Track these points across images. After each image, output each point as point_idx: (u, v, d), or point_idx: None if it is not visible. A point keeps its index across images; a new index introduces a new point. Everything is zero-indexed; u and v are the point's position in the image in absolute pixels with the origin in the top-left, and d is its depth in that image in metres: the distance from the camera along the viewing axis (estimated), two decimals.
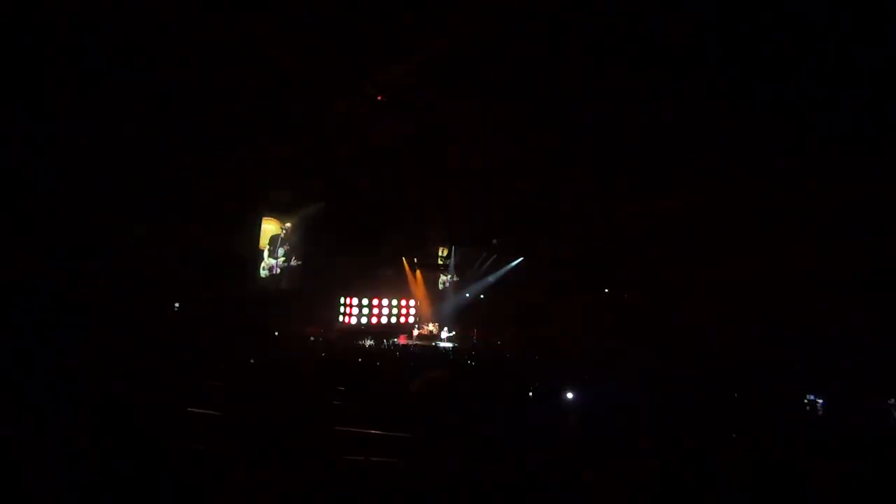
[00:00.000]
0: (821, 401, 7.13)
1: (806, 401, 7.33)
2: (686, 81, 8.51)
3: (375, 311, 18.97)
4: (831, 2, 6.54)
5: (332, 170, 13.98)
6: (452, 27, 7.89)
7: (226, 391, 5.25)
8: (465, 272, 20.64)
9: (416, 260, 19.98)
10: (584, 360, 12.29)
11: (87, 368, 2.93)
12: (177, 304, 12.71)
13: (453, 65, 8.76)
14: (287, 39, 8.19)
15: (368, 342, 15.14)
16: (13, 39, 7.28)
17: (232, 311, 12.90)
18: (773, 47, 7.38)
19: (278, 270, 17.28)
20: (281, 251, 17.36)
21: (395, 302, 19.30)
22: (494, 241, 19.49)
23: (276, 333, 13.21)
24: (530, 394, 7.05)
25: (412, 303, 19.67)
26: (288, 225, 17.46)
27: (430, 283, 20.38)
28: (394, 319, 19.06)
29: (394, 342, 16.01)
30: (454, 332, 17.75)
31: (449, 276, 20.75)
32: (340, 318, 18.34)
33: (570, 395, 6.57)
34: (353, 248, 17.11)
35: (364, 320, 18.59)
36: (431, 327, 18.22)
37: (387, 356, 11.68)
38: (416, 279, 20.01)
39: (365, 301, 18.79)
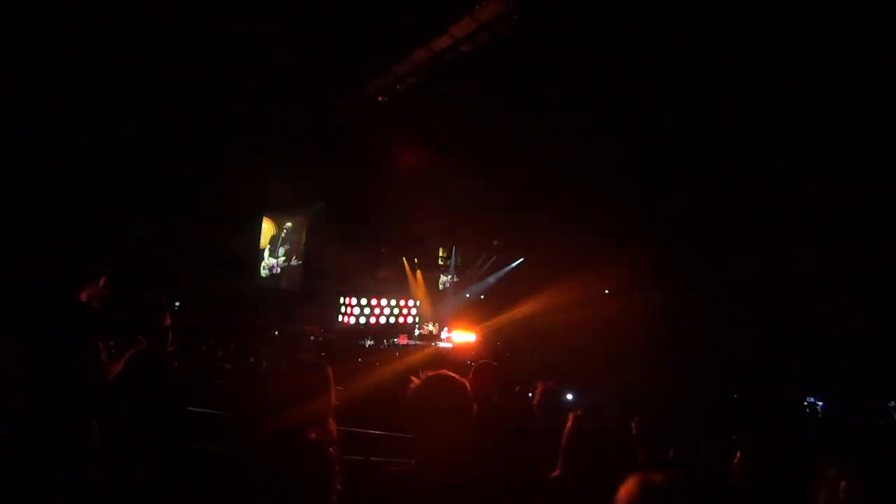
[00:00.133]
0: (821, 403, 7.14)
1: (806, 403, 7.34)
2: (686, 81, 8.51)
3: (376, 310, 18.98)
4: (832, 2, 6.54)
5: (333, 170, 13.98)
6: (452, 26, 7.90)
7: (226, 391, 5.26)
8: (465, 272, 20.65)
9: (416, 260, 19.98)
10: (585, 360, 12.29)
11: (87, 368, 2.93)
12: (177, 304, 12.72)
13: (454, 65, 8.77)
14: (287, 39, 8.18)
15: (368, 342, 15.14)
16: (13, 39, 7.28)
17: (232, 310, 12.91)
18: (774, 47, 7.38)
19: (279, 270, 17.28)
20: (281, 251, 17.37)
21: (394, 302, 19.31)
22: (495, 241, 19.48)
23: (276, 333, 13.22)
24: (530, 394, 7.04)
25: (412, 303, 19.68)
26: (288, 224, 17.46)
27: (431, 284, 20.38)
28: (393, 319, 19.07)
29: (394, 342, 16.01)
30: (454, 333, 17.75)
31: (449, 277, 20.76)
32: (340, 317, 18.34)
33: (569, 396, 6.58)
34: (354, 247, 17.13)
35: (364, 320, 18.61)
36: (431, 327, 18.22)
37: (386, 356, 11.68)
38: (417, 279, 20.01)
39: (365, 301, 18.80)
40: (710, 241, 13.45)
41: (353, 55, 8.62)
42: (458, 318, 18.50)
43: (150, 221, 11.27)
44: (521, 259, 19.40)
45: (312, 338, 14.12)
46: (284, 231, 17.40)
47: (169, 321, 3.83)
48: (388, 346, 14.81)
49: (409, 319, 19.44)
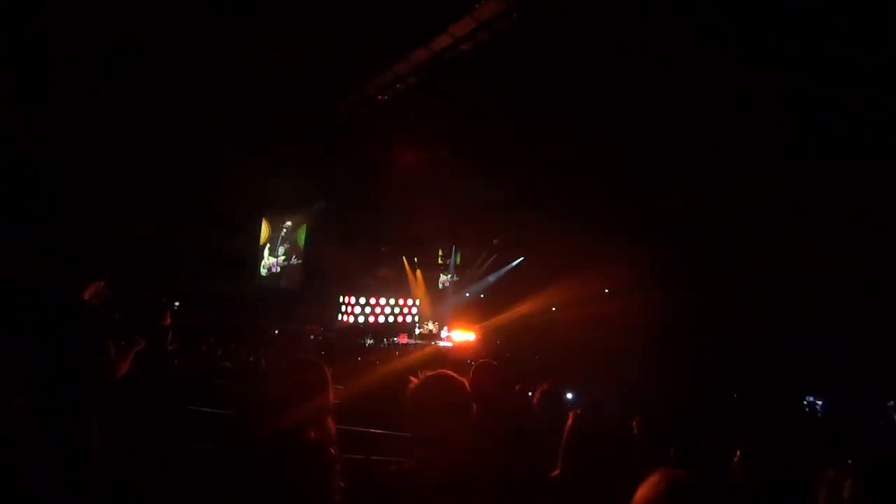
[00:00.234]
0: (820, 402, 7.13)
1: (805, 402, 7.34)
2: (686, 80, 8.51)
3: (376, 310, 19.03)
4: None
5: (333, 169, 13.99)
6: (452, 26, 7.90)
7: (226, 390, 5.26)
8: (464, 271, 20.66)
9: (416, 259, 19.99)
10: (585, 359, 12.29)
11: (87, 368, 2.93)
12: (177, 304, 12.71)
13: (454, 64, 8.77)
14: (287, 39, 8.19)
15: (368, 341, 15.14)
16: (14, 39, 7.28)
17: (232, 310, 12.91)
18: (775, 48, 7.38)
19: (278, 269, 17.28)
20: (281, 250, 17.37)
21: (394, 301, 19.35)
22: (495, 241, 19.49)
23: (276, 332, 13.22)
24: (530, 394, 7.04)
25: (412, 302, 19.71)
26: (288, 224, 17.46)
27: (430, 283, 20.39)
28: (392, 318, 19.14)
29: (394, 341, 16.02)
30: (454, 332, 17.75)
31: (449, 276, 20.76)
32: (340, 316, 18.36)
33: (569, 396, 6.57)
34: (354, 247, 17.14)
35: (364, 319, 18.66)
36: (431, 326, 18.24)
37: (386, 355, 11.67)
38: (416, 278, 20.03)
39: (364, 300, 18.84)
40: (710, 241, 13.45)
41: (353, 55, 8.62)
42: (458, 318, 18.52)
43: (150, 221, 11.28)
44: (521, 258, 19.41)
45: (312, 337, 14.13)
46: (284, 230, 17.40)
47: (169, 321, 3.83)
48: (387, 345, 14.80)
49: (409, 319, 19.48)
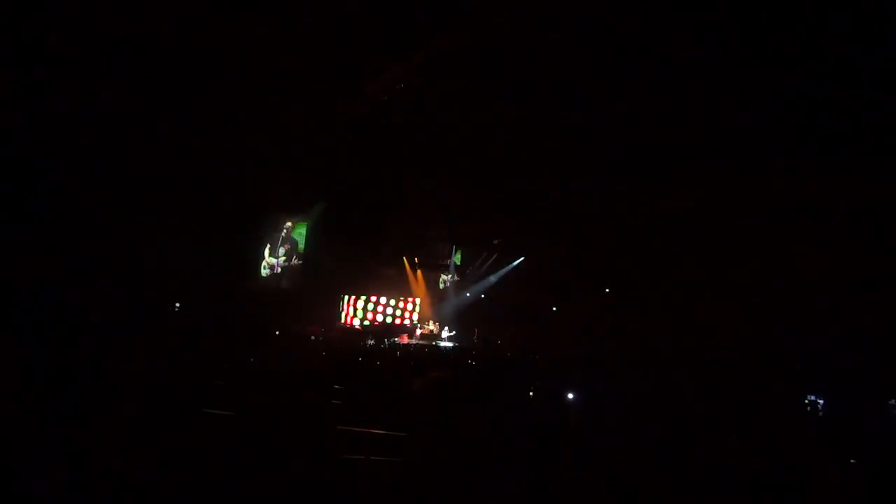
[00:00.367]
0: (821, 401, 7.12)
1: (807, 401, 7.32)
2: (686, 80, 8.50)
3: (378, 309, 19.07)
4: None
5: (334, 169, 13.99)
6: (452, 26, 7.89)
7: (227, 391, 5.26)
8: (465, 272, 20.67)
9: (416, 259, 20.01)
10: (585, 359, 12.29)
11: (88, 368, 2.94)
12: (177, 304, 12.73)
13: (454, 64, 8.76)
14: (287, 39, 8.19)
15: (369, 342, 15.15)
16: (14, 39, 7.29)
17: (233, 310, 12.91)
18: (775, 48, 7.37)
19: (279, 269, 17.29)
20: (282, 250, 17.38)
21: (395, 301, 19.38)
22: (495, 241, 19.50)
23: (277, 333, 13.23)
24: (531, 393, 7.04)
25: (413, 302, 19.73)
26: (288, 224, 17.48)
27: (431, 283, 20.41)
28: (390, 319, 19.20)
29: (395, 341, 16.03)
30: (455, 332, 17.77)
31: (449, 276, 20.78)
32: (341, 317, 18.38)
33: (570, 396, 6.56)
34: (354, 247, 17.15)
35: (365, 319, 18.70)
36: (432, 327, 18.26)
37: (387, 356, 11.67)
38: (417, 279, 20.04)
39: (365, 300, 18.87)
40: (709, 241, 13.45)
41: (353, 55, 8.62)
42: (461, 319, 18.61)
43: (149, 221, 11.28)
44: (521, 258, 19.42)
45: (313, 337, 14.13)
46: (285, 230, 17.42)
47: (169, 321, 3.85)
48: (388, 345, 14.79)
49: (410, 318, 19.51)
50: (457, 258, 20.84)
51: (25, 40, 7.36)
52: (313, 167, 13.80)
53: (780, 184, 10.80)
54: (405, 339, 17.04)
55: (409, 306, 19.68)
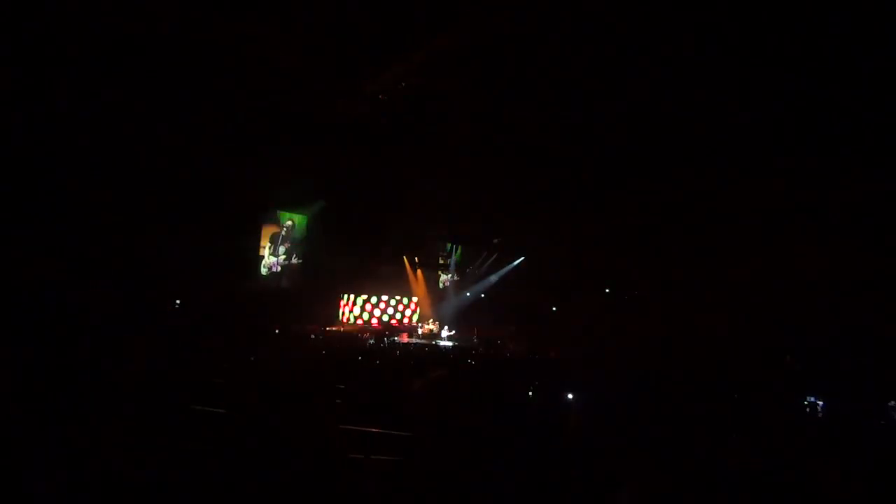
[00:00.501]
0: (821, 402, 7.12)
1: (806, 402, 7.32)
2: (686, 79, 8.50)
3: (377, 309, 19.10)
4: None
5: (333, 168, 14.00)
6: (452, 26, 7.89)
7: (227, 390, 5.27)
8: (465, 271, 20.68)
9: (416, 259, 20.03)
10: (585, 359, 12.29)
11: (88, 368, 2.94)
12: (177, 303, 12.74)
13: (454, 64, 8.76)
14: (287, 39, 8.18)
15: (369, 341, 15.17)
16: (14, 39, 7.29)
17: (233, 309, 12.91)
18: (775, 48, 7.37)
19: (279, 269, 17.29)
20: (282, 249, 17.38)
21: (394, 301, 19.41)
22: (495, 240, 19.52)
23: (277, 332, 13.23)
24: (530, 393, 7.05)
25: (413, 301, 19.76)
26: (289, 223, 17.48)
27: (431, 282, 20.42)
28: (387, 318, 19.23)
29: (394, 340, 16.05)
30: (454, 332, 17.79)
31: (449, 276, 20.79)
32: (341, 316, 18.40)
33: (570, 396, 6.57)
34: (354, 246, 17.16)
35: (365, 318, 18.73)
36: (432, 326, 18.29)
37: (387, 355, 11.68)
38: (417, 278, 20.06)
39: (365, 299, 18.90)
40: (709, 241, 13.46)
41: (353, 55, 8.62)
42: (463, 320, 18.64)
43: (149, 221, 11.27)
44: (522, 258, 19.44)
45: (313, 336, 14.13)
46: (284, 229, 17.42)
47: (170, 321, 3.85)
48: (388, 344, 14.81)
49: (410, 318, 19.54)
50: (457, 256, 20.87)
51: (25, 40, 7.35)
52: (313, 167, 13.80)
53: (780, 184, 10.80)
54: (405, 338, 17.07)
55: (409, 306, 19.72)
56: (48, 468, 2.59)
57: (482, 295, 19.86)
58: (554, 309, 18.25)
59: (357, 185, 14.89)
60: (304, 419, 4.43)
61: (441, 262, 20.76)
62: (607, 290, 17.66)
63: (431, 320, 18.68)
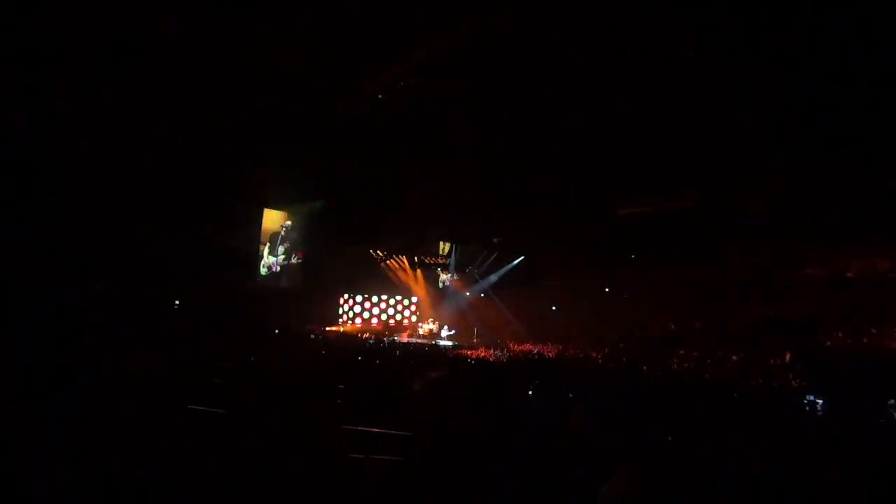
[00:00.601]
0: (821, 401, 7.12)
1: (806, 401, 7.32)
2: (687, 79, 8.50)
3: (376, 309, 19.11)
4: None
5: (333, 168, 14.00)
6: (452, 26, 7.88)
7: (227, 390, 5.26)
8: (465, 271, 20.68)
9: (416, 258, 20.04)
10: (585, 359, 12.29)
11: (88, 368, 2.94)
12: (177, 302, 12.73)
13: (454, 64, 8.76)
14: (287, 39, 8.18)
15: (369, 340, 15.16)
16: (14, 39, 7.29)
17: (232, 309, 12.91)
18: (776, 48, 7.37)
19: (278, 268, 17.31)
20: (281, 249, 17.39)
21: (394, 300, 19.42)
22: (495, 239, 19.52)
23: (277, 331, 13.22)
24: (530, 393, 7.04)
25: (412, 301, 19.77)
26: (288, 223, 17.49)
27: (431, 282, 20.43)
28: (385, 317, 19.23)
29: (394, 339, 16.05)
30: (454, 331, 17.80)
31: (449, 275, 20.79)
32: (341, 315, 18.40)
33: (570, 396, 6.57)
34: (353, 246, 17.17)
35: (365, 317, 18.74)
36: (432, 325, 18.29)
37: (387, 355, 11.67)
38: (417, 278, 20.07)
39: (364, 299, 18.90)
40: (709, 241, 13.46)
41: (353, 55, 8.62)
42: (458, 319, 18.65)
43: (150, 221, 11.28)
44: (521, 258, 19.43)
45: (313, 336, 14.13)
46: (284, 229, 17.43)
47: (169, 321, 3.85)
48: (388, 343, 14.80)
49: (409, 318, 19.54)
50: (456, 256, 20.87)
51: (25, 40, 7.35)
52: (313, 166, 13.80)
53: (780, 184, 10.80)
54: (405, 338, 17.08)
55: (409, 306, 19.73)
56: (48, 468, 2.59)
57: (482, 294, 19.86)
58: (554, 309, 18.26)
59: (357, 184, 14.89)
60: (304, 419, 4.43)
61: (441, 261, 20.76)
62: (607, 290, 17.66)
63: (431, 320, 18.68)
